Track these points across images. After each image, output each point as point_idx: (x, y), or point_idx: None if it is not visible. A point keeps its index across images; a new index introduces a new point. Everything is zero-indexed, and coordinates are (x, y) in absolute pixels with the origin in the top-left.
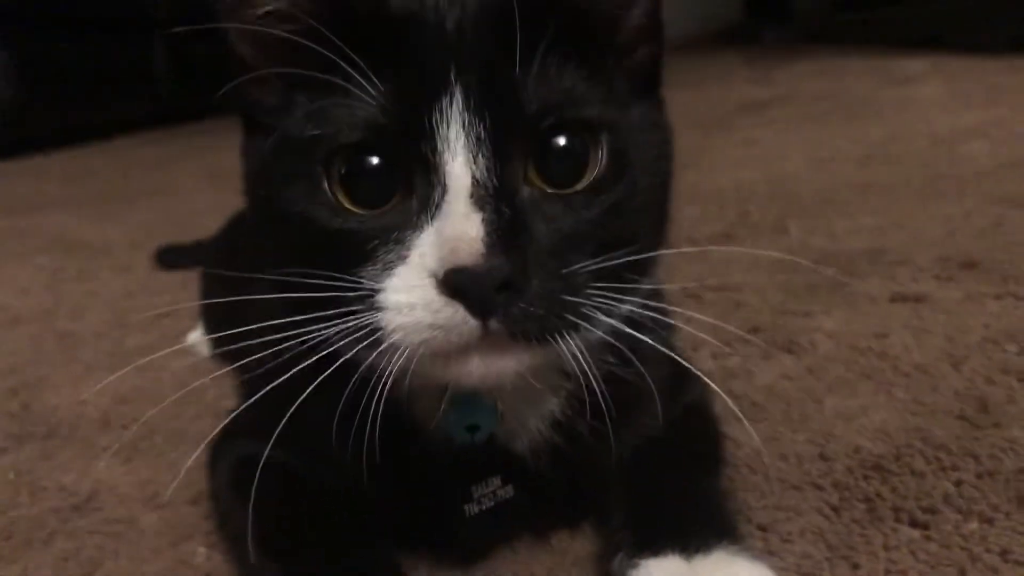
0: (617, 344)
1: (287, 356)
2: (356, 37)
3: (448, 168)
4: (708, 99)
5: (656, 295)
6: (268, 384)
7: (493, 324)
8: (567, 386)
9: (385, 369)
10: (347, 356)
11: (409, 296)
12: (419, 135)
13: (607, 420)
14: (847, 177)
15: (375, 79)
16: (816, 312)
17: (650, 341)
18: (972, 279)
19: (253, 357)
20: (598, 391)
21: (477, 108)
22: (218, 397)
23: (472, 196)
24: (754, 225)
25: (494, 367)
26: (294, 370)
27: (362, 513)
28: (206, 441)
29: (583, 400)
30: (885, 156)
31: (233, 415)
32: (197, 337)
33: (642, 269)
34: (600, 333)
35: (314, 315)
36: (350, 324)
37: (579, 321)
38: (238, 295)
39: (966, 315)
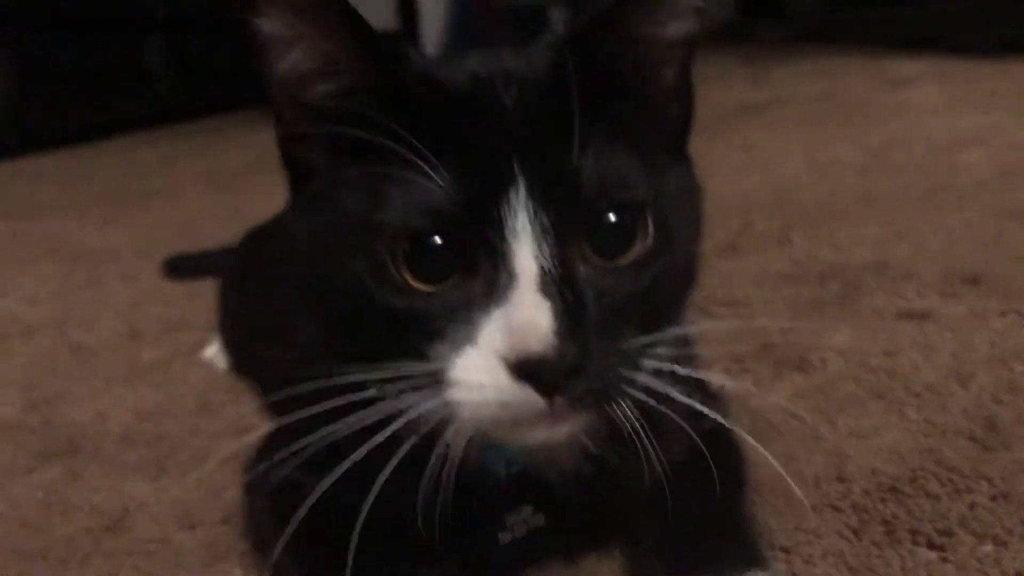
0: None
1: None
2: (410, 114)
3: (516, 257)
4: (706, 100)
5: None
6: (316, 428)
7: (558, 401)
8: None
9: (453, 440)
10: (415, 430)
11: (480, 376)
12: (486, 223)
13: (636, 449)
14: (848, 185)
15: (437, 163)
16: (825, 329)
17: (680, 371)
18: (976, 295)
19: (295, 393)
20: (629, 426)
21: (541, 197)
22: (239, 413)
23: (539, 284)
24: (758, 236)
25: (555, 432)
26: (348, 422)
27: (402, 541)
28: (225, 457)
29: (613, 432)
30: (884, 163)
31: (269, 441)
32: (214, 351)
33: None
34: (644, 387)
35: (380, 391)
36: (420, 401)
37: (631, 387)
38: (276, 332)
39: (971, 332)
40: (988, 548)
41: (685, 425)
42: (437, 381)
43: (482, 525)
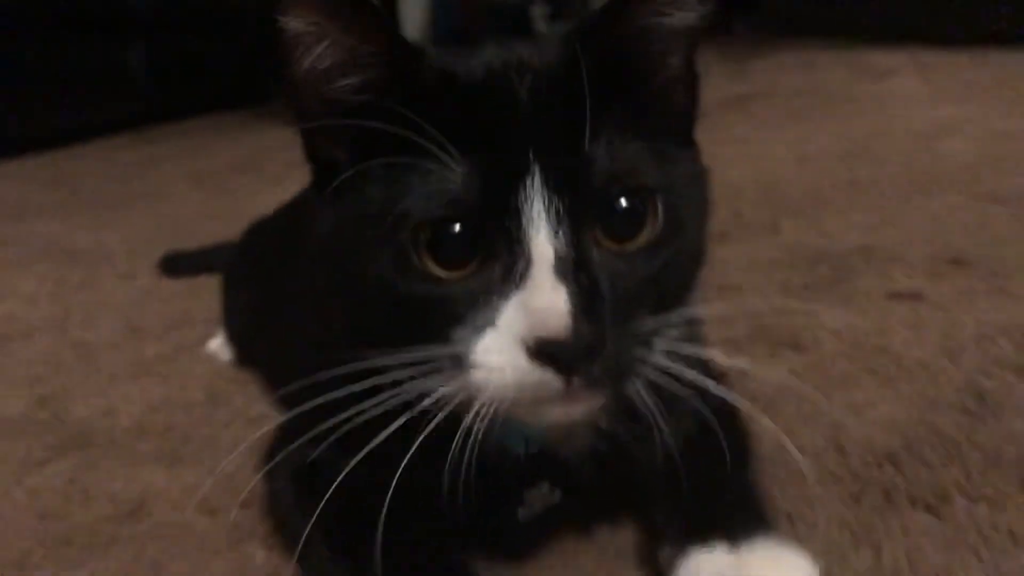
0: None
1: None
2: (428, 106)
3: (532, 243)
4: None
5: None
6: (341, 411)
7: (576, 381)
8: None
9: (475, 420)
10: (438, 411)
11: (500, 358)
12: (503, 211)
13: (649, 426)
14: (833, 175)
15: (455, 153)
16: (817, 310)
17: (689, 350)
18: (962, 276)
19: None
20: (642, 404)
21: (555, 185)
22: (246, 402)
23: (556, 269)
24: (748, 225)
25: (572, 411)
26: (373, 404)
27: (427, 519)
28: (249, 447)
29: (626, 409)
30: (868, 153)
31: (288, 427)
32: (218, 344)
33: (689, 301)
34: (656, 366)
35: (403, 373)
36: (443, 383)
37: (644, 367)
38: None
39: (960, 311)
40: (982, 510)
41: (695, 401)
42: (459, 364)
43: (502, 503)
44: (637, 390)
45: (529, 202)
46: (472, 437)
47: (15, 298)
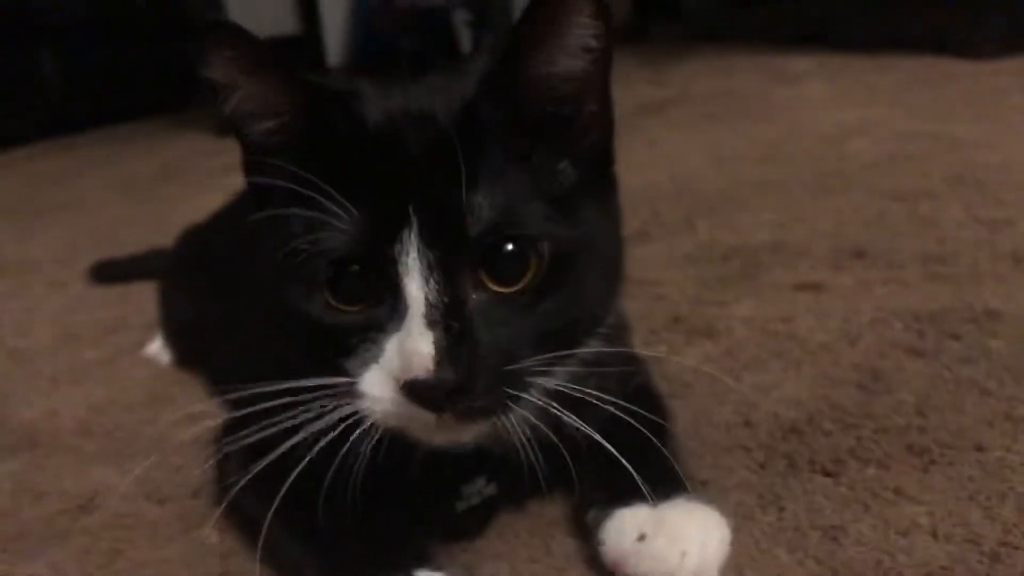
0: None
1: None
2: (335, 153)
3: (407, 290)
4: None
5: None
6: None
7: (446, 415)
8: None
9: (369, 436)
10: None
11: (381, 391)
12: (386, 259)
13: (575, 414)
14: (746, 175)
15: (349, 205)
16: (729, 301)
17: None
18: (862, 267)
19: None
20: (515, 434)
21: (429, 238)
22: (189, 402)
23: (425, 316)
24: (665, 223)
25: (451, 437)
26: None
27: (374, 511)
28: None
29: (552, 406)
30: (779, 154)
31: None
32: (157, 347)
33: (585, 339)
34: (537, 400)
35: (309, 392)
36: (336, 407)
37: (517, 401)
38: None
39: (858, 299)
40: (872, 471)
41: (614, 391)
42: (351, 392)
43: (441, 496)
44: (513, 423)
45: (406, 253)
46: (376, 446)
47: None
